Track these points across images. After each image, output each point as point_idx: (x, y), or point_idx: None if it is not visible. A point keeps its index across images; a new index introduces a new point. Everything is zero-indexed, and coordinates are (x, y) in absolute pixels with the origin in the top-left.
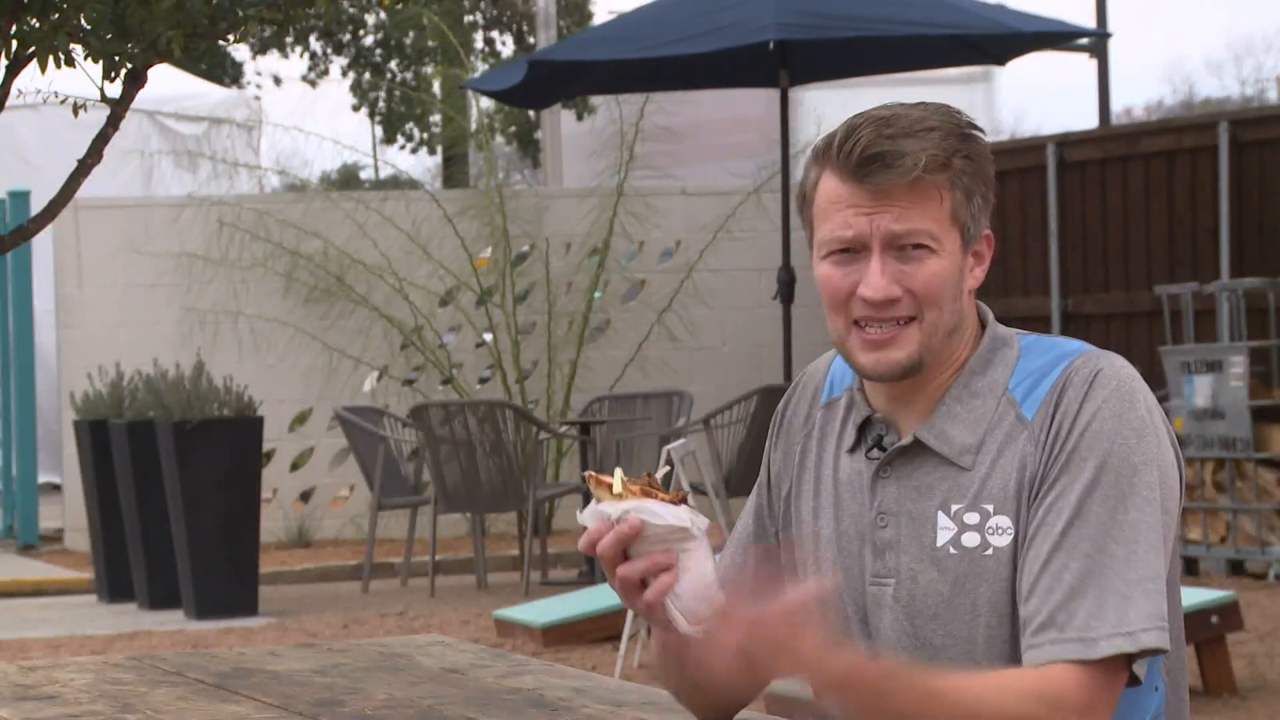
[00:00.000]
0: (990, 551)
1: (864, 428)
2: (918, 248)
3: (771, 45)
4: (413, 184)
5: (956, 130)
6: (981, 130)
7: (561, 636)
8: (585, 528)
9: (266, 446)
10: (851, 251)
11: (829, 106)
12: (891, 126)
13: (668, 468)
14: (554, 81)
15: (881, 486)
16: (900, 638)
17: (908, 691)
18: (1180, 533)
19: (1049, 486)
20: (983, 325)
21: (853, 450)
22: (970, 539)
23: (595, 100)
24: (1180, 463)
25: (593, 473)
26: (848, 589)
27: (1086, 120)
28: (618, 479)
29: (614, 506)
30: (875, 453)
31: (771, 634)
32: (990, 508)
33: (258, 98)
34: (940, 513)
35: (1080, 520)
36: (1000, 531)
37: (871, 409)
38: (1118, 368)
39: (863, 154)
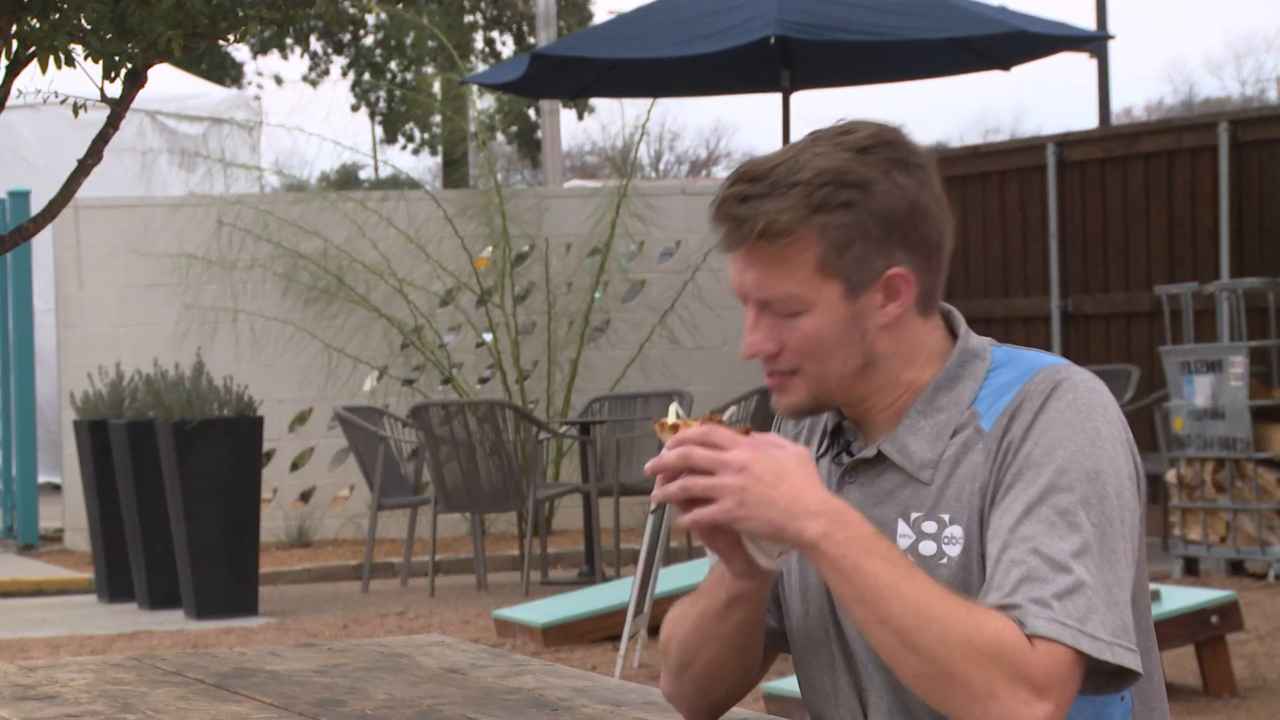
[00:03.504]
0: (945, 560)
1: (835, 433)
2: (784, 308)
3: (772, 40)
4: (413, 184)
5: (838, 178)
6: (896, 163)
7: (561, 636)
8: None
9: (266, 446)
10: (745, 301)
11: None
12: (759, 181)
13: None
14: (555, 77)
15: (846, 491)
16: (860, 639)
17: (886, 556)
18: (1143, 540)
19: (1003, 494)
20: (954, 335)
21: (824, 454)
22: (927, 547)
23: (595, 100)
24: (1141, 479)
25: (661, 420)
26: (822, 592)
27: (1086, 120)
28: (673, 412)
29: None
30: (842, 458)
31: (776, 449)
32: (946, 517)
33: (258, 98)
34: (900, 520)
35: (1030, 518)
36: (954, 541)
37: (842, 416)
38: (1078, 381)
39: (715, 215)
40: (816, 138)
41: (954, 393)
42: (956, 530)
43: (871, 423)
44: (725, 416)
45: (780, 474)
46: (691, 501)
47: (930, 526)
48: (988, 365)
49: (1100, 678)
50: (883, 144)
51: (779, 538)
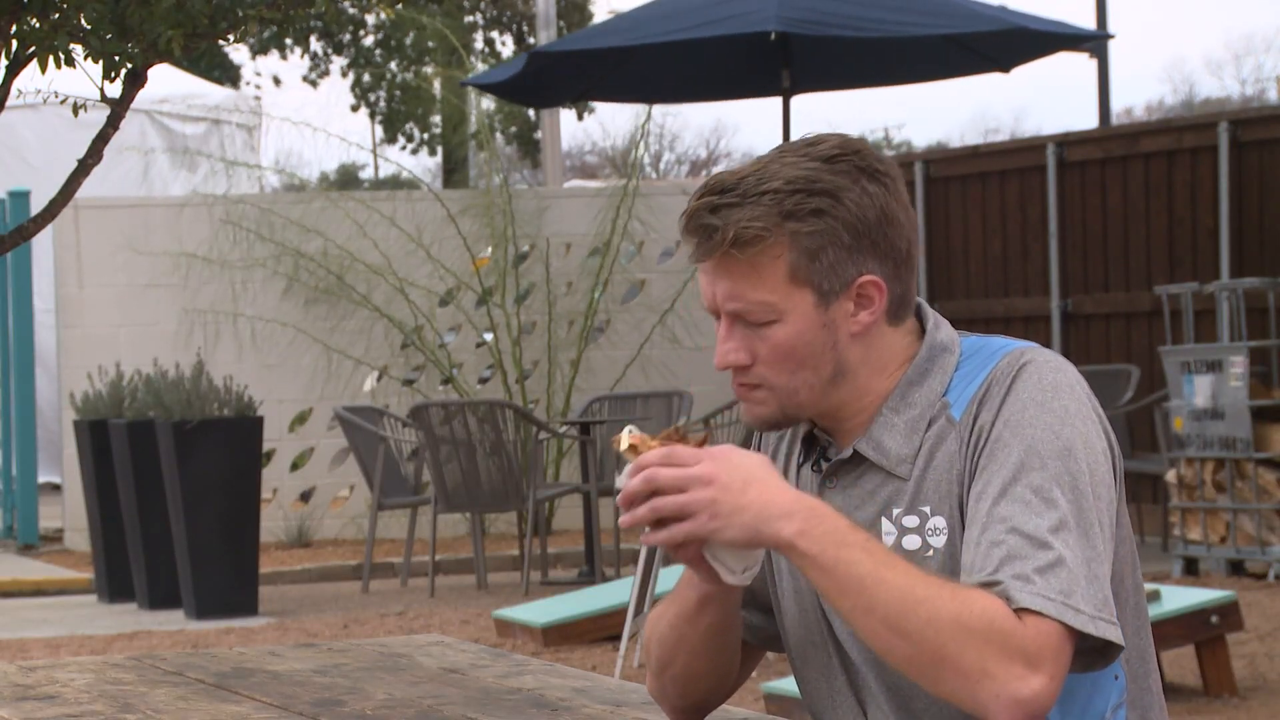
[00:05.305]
0: (930, 553)
1: (809, 440)
2: (757, 317)
3: (773, 37)
4: (413, 184)
5: (808, 186)
6: (864, 172)
7: (561, 636)
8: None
9: (266, 446)
10: (717, 314)
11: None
12: (729, 192)
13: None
14: (553, 77)
15: (828, 496)
16: (852, 642)
17: (864, 546)
18: (1124, 509)
19: (977, 477)
20: (923, 330)
21: (803, 463)
22: (911, 541)
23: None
24: (1116, 454)
25: (620, 436)
26: (814, 595)
27: (1086, 120)
28: (625, 438)
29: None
30: (821, 464)
31: (738, 457)
32: (927, 509)
33: (258, 98)
34: (883, 518)
35: (1005, 499)
36: (938, 532)
37: (813, 423)
38: (1042, 362)
39: (685, 226)
40: (783, 150)
41: (925, 387)
42: (939, 521)
43: (843, 430)
44: (680, 425)
45: (747, 480)
46: (663, 521)
47: (912, 520)
48: (957, 357)
49: (1087, 655)
50: (850, 153)
51: (756, 542)
